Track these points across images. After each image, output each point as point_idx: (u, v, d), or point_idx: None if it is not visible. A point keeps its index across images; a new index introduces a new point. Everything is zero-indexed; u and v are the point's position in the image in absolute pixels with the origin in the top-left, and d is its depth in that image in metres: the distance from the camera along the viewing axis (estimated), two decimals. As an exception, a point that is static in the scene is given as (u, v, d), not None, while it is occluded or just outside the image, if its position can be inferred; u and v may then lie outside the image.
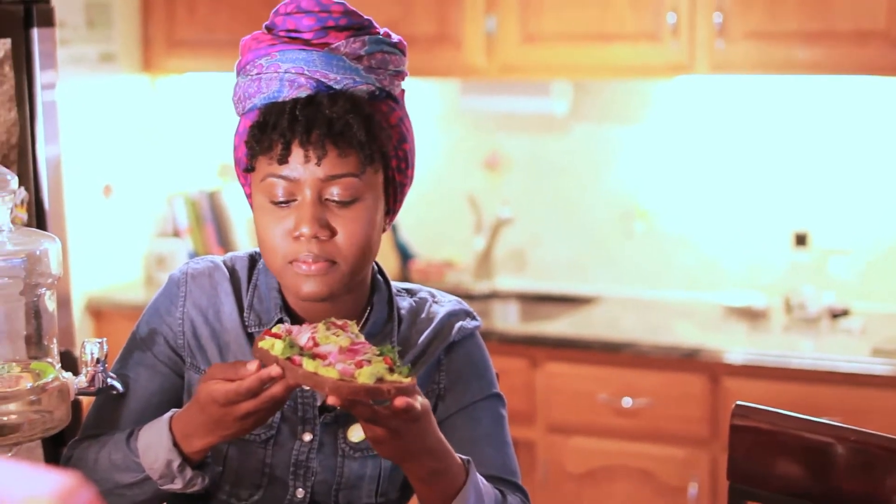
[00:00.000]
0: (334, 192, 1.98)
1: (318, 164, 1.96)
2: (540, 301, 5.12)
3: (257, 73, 2.03)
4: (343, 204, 1.99)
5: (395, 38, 2.09)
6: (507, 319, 5.12)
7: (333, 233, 1.99)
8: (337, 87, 2.00)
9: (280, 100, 2.00)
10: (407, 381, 1.81)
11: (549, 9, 4.67)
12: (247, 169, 2.05)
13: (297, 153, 1.97)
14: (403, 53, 2.10)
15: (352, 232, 2.00)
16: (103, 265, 5.18)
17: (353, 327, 1.93)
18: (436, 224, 5.33)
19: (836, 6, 4.30)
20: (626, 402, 4.36)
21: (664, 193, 5.00)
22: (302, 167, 1.97)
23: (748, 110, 4.84)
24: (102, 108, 5.17)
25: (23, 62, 2.60)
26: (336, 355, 1.82)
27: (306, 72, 1.99)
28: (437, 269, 5.18)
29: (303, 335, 1.86)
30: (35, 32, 2.63)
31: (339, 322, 1.93)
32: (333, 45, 2.02)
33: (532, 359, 4.48)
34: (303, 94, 1.99)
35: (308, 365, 1.79)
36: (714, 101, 4.88)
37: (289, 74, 2.00)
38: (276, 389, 1.86)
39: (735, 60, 4.46)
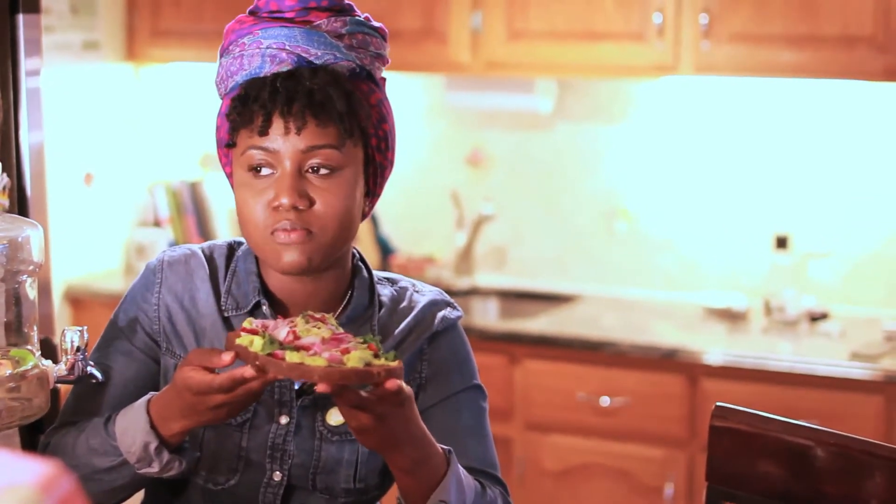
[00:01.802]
0: (314, 163, 2.01)
1: (298, 135, 1.98)
2: (520, 298, 5.12)
3: (240, 52, 2.05)
4: (322, 175, 2.01)
5: (375, 23, 2.12)
6: (487, 316, 5.12)
7: (312, 203, 2.01)
8: (318, 62, 2.02)
9: (262, 75, 2.02)
10: (394, 363, 1.83)
11: (535, 6, 4.67)
12: (228, 144, 2.07)
13: (277, 124, 1.99)
14: (384, 38, 2.12)
15: (330, 202, 2.01)
16: (83, 253, 5.16)
17: (332, 319, 1.94)
18: (417, 219, 5.33)
19: (822, 10, 4.31)
20: (605, 400, 4.36)
21: (646, 193, 5.00)
22: (282, 139, 1.99)
23: (732, 112, 4.85)
24: (85, 96, 5.15)
25: (7, 48, 2.58)
26: (320, 345, 1.82)
27: (287, 47, 2.01)
28: (418, 264, 5.17)
29: (280, 329, 1.87)
30: (21, 18, 2.61)
31: (318, 315, 1.94)
32: (315, 23, 2.04)
33: (511, 356, 4.48)
34: (284, 68, 2.01)
35: (292, 357, 1.79)
36: (698, 103, 4.89)
37: (270, 50, 2.02)
38: (253, 385, 1.87)
39: (720, 62, 4.46)
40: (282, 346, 1.83)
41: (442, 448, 2.00)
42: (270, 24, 2.04)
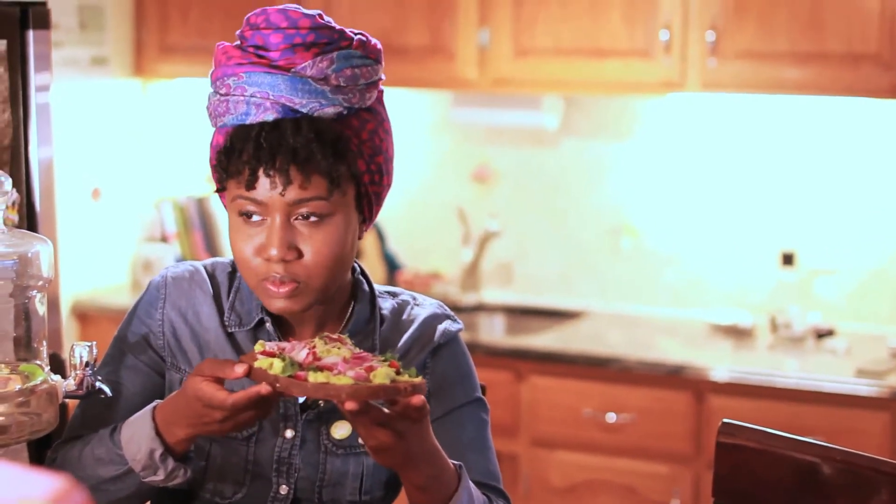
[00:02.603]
0: (302, 212, 2.01)
1: (283, 193, 1.98)
2: (526, 314, 5.12)
3: (225, 93, 2.04)
4: (311, 222, 2.02)
5: (371, 42, 2.08)
6: (493, 332, 5.12)
7: (301, 254, 2.02)
8: (303, 110, 2.00)
9: (248, 122, 2.01)
10: (418, 379, 1.84)
11: (542, 23, 4.68)
12: (218, 189, 2.08)
13: (263, 180, 1.99)
14: (378, 61, 2.09)
15: (319, 252, 2.02)
16: (90, 268, 5.17)
17: (348, 340, 1.95)
18: (423, 235, 5.34)
19: (828, 27, 4.32)
20: (611, 417, 4.36)
21: (652, 210, 5.01)
22: (269, 192, 1.99)
23: (738, 129, 4.85)
24: (93, 111, 5.16)
25: (17, 63, 2.60)
26: (343, 365, 1.84)
27: (271, 96, 2.00)
28: (424, 281, 5.17)
29: (299, 351, 1.88)
30: (31, 34, 2.63)
31: (334, 336, 1.96)
32: (300, 67, 2.01)
33: (517, 372, 4.49)
34: (269, 117, 2.00)
35: (316, 377, 1.81)
36: (705, 119, 4.90)
37: (254, 98, 2.01)
38: (263, 410, 1.90)
39: (726, 79, 4.47)
40: (301, 367, 1.84)
41: (453, 463, 2.01)
42: (255, 67, 2.02)
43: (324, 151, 1.99)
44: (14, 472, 1.03)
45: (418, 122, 5.27)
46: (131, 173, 5.36)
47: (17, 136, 2.61)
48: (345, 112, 2.04)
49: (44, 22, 2.67)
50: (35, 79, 2.66)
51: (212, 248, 5.40)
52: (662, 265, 5.02)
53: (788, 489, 2.23)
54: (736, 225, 4.89)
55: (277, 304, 2.04)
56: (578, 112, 5.08)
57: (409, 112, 5.21)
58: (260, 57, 2.03)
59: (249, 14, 2.07)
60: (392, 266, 5.32)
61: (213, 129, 2.11)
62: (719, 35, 4.44)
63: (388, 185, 2.14)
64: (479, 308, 5.16)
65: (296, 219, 2.01)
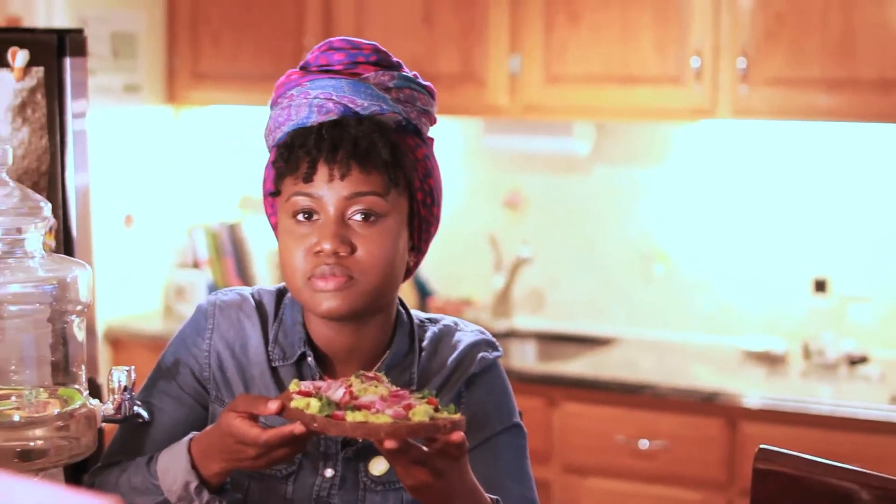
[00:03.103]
0: (357, 209, 2.01)
1: (342, 181, 1.99)
2: (558, 341, 5.11)
3: (287, 103, 2.07)
4: (365, 222, 2.02)
5: (424, 82, 2.13)
6: (525, 358, 5.11)
7: (354, 249, 2.01)
8: (364, 112, 2.03)
9: (308, 124, 2.03)
10: (457, 416, 1.82)
11: (572, 50, 4.69)
12: (273, 193, 2.08)
13: (321, 171, 2.00)
14: (432, 96, 2.13)
15: (371, 250, 2.01)
16: (123, 295, 5.19)
17: (385, 378, 1.94)
18: (455, 261, 5.34)
19: (859, 54, 4.31)
20: (644, 443, 4.35)
21: (684, 236, 5.00)
22: (326, 185, 2.00)
23: (770, 156, 4.85)
24: (126, 138, 5.19)
25: (55, 91, 2.61)
26: (381, 403, 1.82)
27: (334, 97, 2.03)
28: (456, 307, 5.17)
29: (336, 391, 1.87)
30: (67, 62, 2.64)
31: (371, 374, 1.94)
32: (363, 76, 2.05)
33: (549, 398, 4.48)
34: (331, 118, 2.02)
35: (355, 416, 1.79)
36: (736, 146, 4.89)
37: (317, 100, 2.03)
38: (296, 448, 1.90)
39: (758, 106, 4.47)
40: (338, 406, 1.83)
41: (490, 498, 1.99)
42: (319, 76, 2.06)
43: (385, 145, 2.01)
44: (57, 494, 1.04)
45: (450, 150, 5.28)
46: (164, 200, 5.39)
47: (53, 163, 2.62)
48: (403, 123, 2.06)
49: (80, 49, 2.68)
50: (72, 106, 2.67)
51: (243, 275, 5.42)
52: (694, 291, 5.01)
53: (826, 515, 2.22)
54: (768, 251, 4.88)
55: (325, 304, 2.01)
56: (610, 139, 5.08)
57: (440, 139, 5.21)
58: (324, 71, 2.07)
59: (313, 48, 2.11)
60: (423, 293, 5.32)
61: (270, 149, 2.13)
62: (750, 62, 4.44)
63: (438, 220, 2.16)
64: (511, 334, 5.16)
65: (349, 218, 2.02)
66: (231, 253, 5.44)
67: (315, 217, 2.02)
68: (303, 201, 2.02)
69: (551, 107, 4.80)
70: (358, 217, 2.01)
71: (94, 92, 4.84)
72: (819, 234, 4.80)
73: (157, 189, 5.36)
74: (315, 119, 2.03)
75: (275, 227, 2.13)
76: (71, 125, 2.67)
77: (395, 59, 2.11)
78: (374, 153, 2.00)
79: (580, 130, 4.97)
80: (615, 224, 5.11)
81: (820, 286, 4.79)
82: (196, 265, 5.42)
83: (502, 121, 5.03)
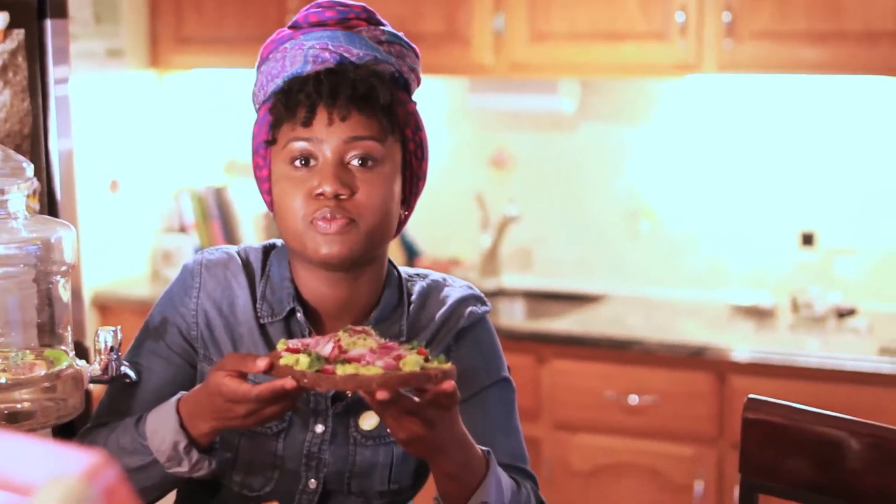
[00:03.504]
0: (355, 154, 2.02)
1: (344, 121, 2.00)
2: (546, 299, 5.12)
3: (281, 56, 2.07)
4: (363, 167, 2.02)
5: (411, 43, 2.14)
6: (514, 316, 5.12)
7: (354, 192, 2.01)
8: (359, 62, 2.04)
9: (304, 73, 2.04)
10: (448, 366, 1.82)
11: (557, 7, 4.67)
12: (269, 142, 2.07)
13: (321, 116, 2.01)
14: (418, 57, 2.15)
15: (371, 193, 2.02)
16: (109, 260, 5.18)
17: (373, 332, 1.93)
18: (442, 221, 5.33)
19: (845, 6, 4.30)
20: (633, 399, 4.36)
21: (671, 193, 5.00)
22: (325, 129, 2.01)
23: (756, 110, 4.84)
24: (109, 103, 5.17)
25: (36, 53, 2.60)
26: (371, 355, 1.82)
27: (330, 46, 2.04)
28: (443, 267, 5.17)
29: (324, 346, 1.86)
30: (48, 23, 2.63)
31: (359, 328, 1.93)
32: (356, 29, 2.06)
33: (538, 355, 4.48)
34: (327, 67, 2.03)
35: (345, 369, 1.79)
36: (722, 101, 4.88)
37: (313, 50, 2.04)
38: (286, 404, 1.89)
39: (743, 60, 4.46)
40: (328, 361, 1.82)
41: (481, 449, 1.99)
42: (312, 29, 2.07)
43: (383, 89, 2.02)
44: (46, 449, 1.03)
45: (435, 109, 5.27)
46: (149, 165, 5.37)
47: (36, 126, 2.61)
48: (396, 75, 2.07)
49: (61, 10, 2.67)
50: (54, 72, 2.66)
51: (230, 238, 5.41)
52: (682, 247, 5.01)
53: (815, 464, 2.22)
54: (755, 206, 4.88)
55: (326, 249, 2.01)
56: (595, 96, 5.07)
57: (425, 100, 5.19)
58: (316, 26, 2.08)
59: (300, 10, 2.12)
60: (411, 253, 5.32)
61: (258, 106, 2.13)
62: (735, 16, 4.43)
63: (425, 175, 2.17)
64: (499, 293, 5.16)
65: (349, 163, 2.02)
66: (217, 216, 5.43)
67: (313, 162, 2.02)
68: (301, 146, 2.02)
69: (536, 65, 4.78)
70: (356, 162, 2.02)
71: (76, 57, 4.82)
72: (805, 187, 4.80)
73: (143, 154, 5.34)
74: (311, 68, 2.03)
75: (266, 180, 2.12)
76: (53, 90, 2.66)
77: (383, 19, 2.12)
78: (373, 97, 2.01)
79: (566, 88, 4.96)
80: (602, 181, 5.11)
81: (807, 240, 4.79)
82: (182, 229, 5.41)
83: (487, 79, 5.01)
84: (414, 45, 2.13)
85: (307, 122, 2.01)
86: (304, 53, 2.04)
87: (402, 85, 2.10)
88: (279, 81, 2.06)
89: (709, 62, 4.50)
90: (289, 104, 2.02)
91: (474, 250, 5.30)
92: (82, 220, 2.78)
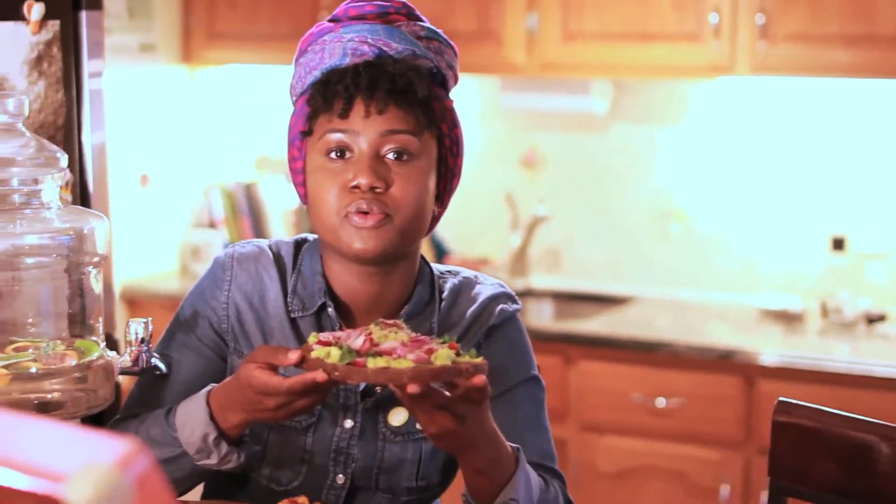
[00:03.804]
0: (391, 147, 2.01)
1: (381, 114, 1.99)
2: (574, 300, 5.11)
3: (320, 48, 2.07)
4: (398, 161, 2.02)
5: (449, 40, 2.15)
6: (542, 317, 5.11)
7: (389, 185, 2.01)
8: (398, 56, 2.03)
9: (342, 66, 2.03)
10: (479, 360, 1.81)
11: (590, 7, 4.66)
12: (305, 133, 2.06)
13: (358, 108, 2.00)
14: (456, 54, 2.15)
15: (406, 187, 2.02)
16: (139, 254, 5.19)
17: (404, 325, 1.92)
18: (472, 220, 5.33)
19: (878, 10, 4.28)
20: (660, 402, 4.34)
21: (701, 194, 4.99)
22: (362, 121, 2.00)
23: (788, 113, 4.82)
24: (141, 97, 5.18)
25: (70, 44, 2.61)
26: (402, 349, 1.81)
27: (369, 40, 2.04)
28: (473, 266, 5.12)
29: (356, 339, 1.85)
30: (83, 15, 2.64)
31: (390, 322, 1.92)
32: (395, 24, 2.06)
33: (566, 356, 4.48)
34: (365, 60, 2.03)
35: (376, 362, 1.78)
36: (754, 103, 4.87)
37: (352, 43, 2.04)
38: (316, 398, 1.88)
39: (776, 62, 4.44)
40: (359, 354, 1.81)
41: (511, 446, 1.98)
42: (351, 22, 2.07)
43: (422, 84, 2.01)
44: (79, 436, 1.03)
45: (467, 108, 5.26)
46: (179, 160, 5.38)
47: (69, 118, 2.62)
48: (434, 71, 2.07)
49: (96, 3, 2.68)
50: (88, 65, 2.67)
51: (260, 235, 5.41)
52: (712, 250, 5.00)
53: (845, 468, 2.21)
54: (786, 209, 4.86)
55: (360, 243, 2.01)
56: (627, 96, 5.06)
57: (457, 98, 5.19)
58: (355, 19, 2.08)
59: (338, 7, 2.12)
60: (440, 251, 5.32)
61: (295, 98, 2.12)
62: (769, 18, 4.41)
63: (460, 172, 2.17)
64: (528, 293, 5.15)
65: (384, 156, 2.02)
66: (247, 212, 5.44)
67: (349, 155, 2.02)
68: (338, 137, 2.02)
69: (569, 64, 4.78)
70: (391, 156, 2.02)
71: (109, 51, 4.82)
72: (837, 191, 4.78)
73: (173, 149, 5.35)
74: (349, 61, 2.03)
75: (300, 172, 2.11)
76: (87, 83, 2.67)
77: (422, 15, 2.13)
78: (412, 91, 2.01)
79: (598, 88, 4.95)
80: (632, 182, 5.10)
81: (838, 244, 4.77)
82: (212, 225, 5.42)
83: (519, 79, 5.01)
84: (452, 43, 2.14)
85: (344, 114, 2.00)
86: (343, 46, 2.04)
87: (440, 81, 2.10)
88: (317, 73, 2.06)
89: (742, 64, 4.48)
90: (326, 95, 2.02)
91: (503, 250, 5.29)
92: (112, 213, 2.78)
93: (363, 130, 2.00)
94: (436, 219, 2.15)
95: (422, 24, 2.10)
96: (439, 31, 2.12)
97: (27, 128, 1.99)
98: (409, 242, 2.07)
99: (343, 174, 2.01)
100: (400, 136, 2.01)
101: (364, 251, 2.01)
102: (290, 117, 2.12)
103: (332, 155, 2.02)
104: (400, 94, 2.00)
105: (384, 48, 2.03)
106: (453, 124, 2.11)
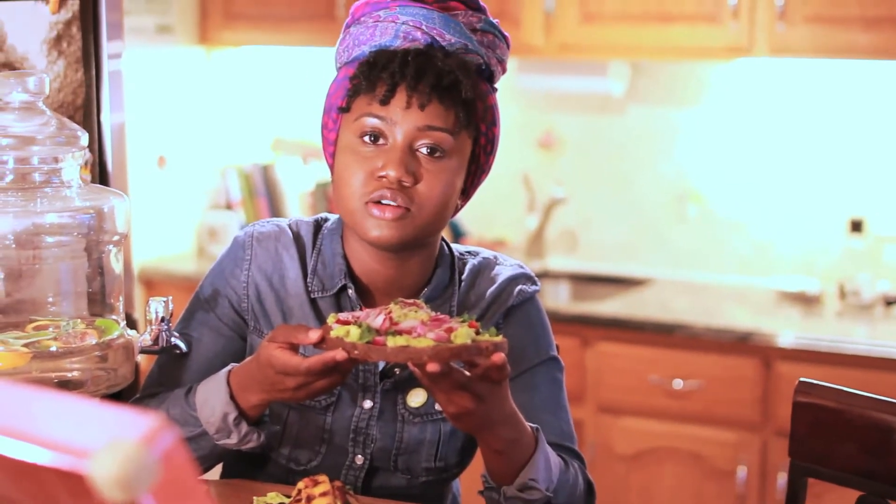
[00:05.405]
0: (425, 143, 2.00)
1: (422, 109, 1.98)
2: (591, 281, 5.10)
3: (373, 23, 2.05)
4: (430, 157, 2.00)
5: (504, 31, 2.12)
6: (559, 299, 5.10)
7: (417, 180, 2.00)
8: (450, 48, 2.02)
9: (392, 48, 2.02)
10: (499, 338, 1.80)
11: (608, -12, 4.65)
12: (342, 109, 2.05)
13: (400, 97, 1.99)
14: (508, 47, 2.13)
15: (433, 185, 2.00)
16: (156, 236, 5.19)
17: (424, 305, 1.92)
18: (488, 202, 5.31)
19: (898, -9, 4.27)
20: (678, 383, 4.34)
21: (719, 177, 4.97)
22: (401, 112, 1.99)
23: (807, 94, 4.81)
24: (158, 79, 5.18)
25: (90, 24, 2.60)
26: (422, 327, 1.80)
27: (424, 27, 2.02)
28: (489, 247, 5.12)
29: (375, 318, 1.84)
30: (103, -3, 2.63)
31: (409, 301, 1.92)
32: (453, 12, 2.03)
33: (583, 338, 4.47)
34: (416, 47, 2.01)
35: (396, 341, 1.77)
36: (772, 85, 4.85)
37: (405, 27, 2.02)
38: (336, 378, 1.88)
39: (795, 44, 4.42)
40: (379, 332, 1.81)
41: (530, 426, 1.98)
42: (410, 3, 2.04)
43: (468, 84, 2.00)
44: (103, 412, 1.03)
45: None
46: (196, 141, 5.38)
47: (88, 97, 2.61)
48: (483, 67, 2.05)
49: (115, -18, 2.67)
50: (108, 47, 2.66)
51: (277, 215, 5.41)
52: (729, 232, 4.99)
53: (866, 449, 2.20)
54: (804, 191, 4.85)
55: (376, 232, 2.00)
56: (645, 78, 5.05)
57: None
58: (415, 1, 2.06)
59: None
60: (457, 233, 5.31)
61: (340, 67, 2.11)
62: (788, -1, 4.40)
63: (490, 168, 2.15)
64: (544, 275, 5.15)
65: (417, 150, 2.00)
66: (264, 194, 5.44)
67: (382, 141, 2.01)
68: (374, 123, 2.00)
69: (586, 46, 4.76)
70: (424, 150, 2.01)
71: (126, 32, 4.84)
72: (855, 174, 4.76)
73: (190, 130, 5.35)
74: (400, 44, 2.02)
75: (332, 144, 2.10)
76: (107, 65, 2.66)
77: (481, 2, 2.10)
78: (456, 90, 1.99)
79: (615, 70, 4.93)
80: (650, 164, 5.09)
81: (856, 226, 4.76)
82: (229, 206, 5.42)
83: (537, 60, 5.00)
84: (507, 34, 2.11)
85: (385, 101, 1.99)
86: (397, 27, 2.02)
87: (487, 76, 2.08)
88: (365, 49, 2.04)
89: (760, 46, 4.46)
90: (370, 77, 2.00)
91: (520, 232, 5.28)
92: (130, 194, 2.78)
93: (401, 121, 1.99)
94: (457, 210, 2.14)
95: (480, 14, 2.07)
96: (496, 22, 2.10)
97: (47, 106, 1.99)
98: (428, 235, 2.06)
99: (373, 161, 2.00)
100: (437, 133, 1.99)
101: (379, 239, 2.01)
102: (330, 85, 2.11)
103: (366, 139, 2.01)
104: (444, 91, 1.98)
105: (437, 38, 2.01)
106: (492, 122, 2.10)
